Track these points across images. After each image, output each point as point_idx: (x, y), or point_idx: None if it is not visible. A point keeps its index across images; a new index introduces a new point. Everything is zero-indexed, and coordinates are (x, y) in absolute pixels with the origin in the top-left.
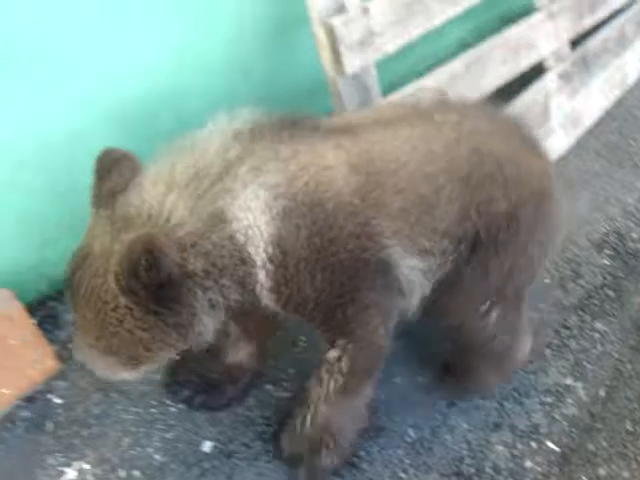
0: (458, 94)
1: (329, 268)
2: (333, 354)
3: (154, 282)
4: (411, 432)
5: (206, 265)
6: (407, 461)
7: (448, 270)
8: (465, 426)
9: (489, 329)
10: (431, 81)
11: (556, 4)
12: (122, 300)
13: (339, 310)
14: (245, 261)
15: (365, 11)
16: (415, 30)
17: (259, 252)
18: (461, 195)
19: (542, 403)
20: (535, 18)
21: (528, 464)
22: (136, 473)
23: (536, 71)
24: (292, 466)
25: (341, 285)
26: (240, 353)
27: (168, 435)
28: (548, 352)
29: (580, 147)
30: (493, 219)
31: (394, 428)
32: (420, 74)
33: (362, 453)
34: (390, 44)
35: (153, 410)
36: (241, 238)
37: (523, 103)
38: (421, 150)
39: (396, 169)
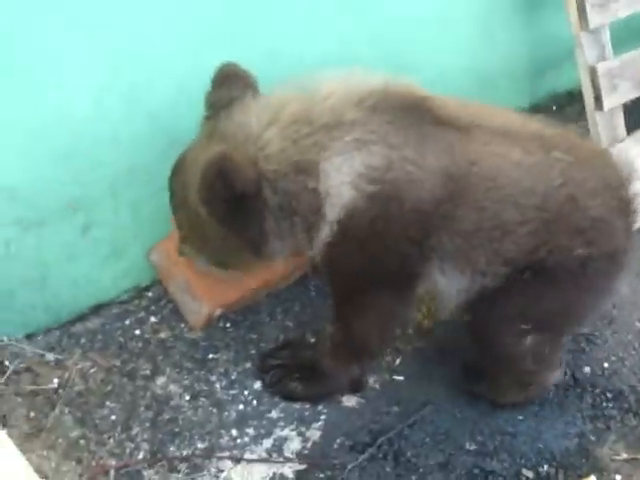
0: None
1: (373, 255)
2: (329, 329)
3: (227, 197)
4: None
5: (282, 201)
6: None
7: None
8: None
9: (520, 351)
10: None
11: None
12: (202, 210)
13: (350, 298)
14: (319, 212)
15: None
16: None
17: (333, 211)
18: (541, 235)
19: None
20: None
21: None
22: None
23: None
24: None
25: (369, 276)
26: None
27: None
28: None
29: None
30: (565, 261)
31: None
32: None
33: None
34: (622, 10)
35: None
36: (323, 192)
37: None
38: (524, 183)
39: (489, 188)
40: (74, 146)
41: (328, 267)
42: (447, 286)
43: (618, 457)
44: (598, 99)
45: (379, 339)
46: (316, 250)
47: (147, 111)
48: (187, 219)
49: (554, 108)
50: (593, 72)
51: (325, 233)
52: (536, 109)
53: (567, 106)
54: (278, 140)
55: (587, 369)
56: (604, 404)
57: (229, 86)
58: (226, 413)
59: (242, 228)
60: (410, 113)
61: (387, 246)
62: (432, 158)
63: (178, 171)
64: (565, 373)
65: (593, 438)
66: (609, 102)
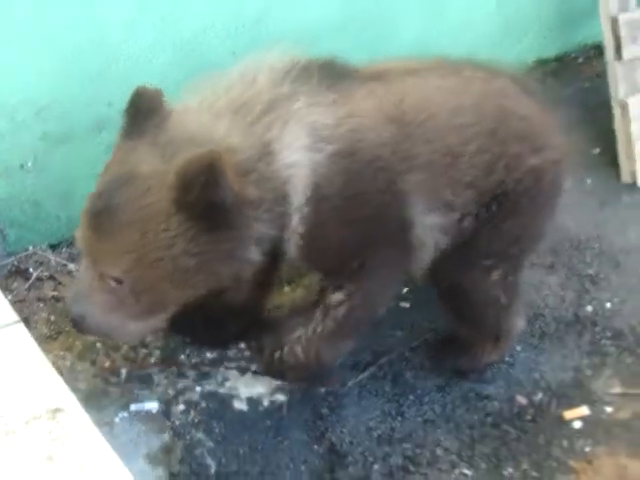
0: None
1: (356, 221)
2: (336, 297)
3: (212, 199)
4: None
5: (258, 194)
6: None
7: (466, 227)
8: None
9: (490, 289)
10: None
11: None
12: (175, 220)
13: (356, 260)
14: (285, 199)
15: None
16: None
17: (297, 193)
18: (489, 148)
19: None
20: None
21: None
22: None
23: None
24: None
25: (363, 238)
26: (243, 294)
27: None
28: None
29: None
30: (521, 177)
31: None
32: None
33: None
34: None
35: None
36: (284, 174)
37: None
38: (451, 102)
39: (425, 119)
40: (105, 68)
41: (312, 255)
42: (431, 227)
43: (611, 391)
44: (618, 49)
45: (386, 297)
46: (290, 247)
47: (178, 38)
48: (142, 238)
49: (580, 60)
50: (614, 22)
51: (295, 223)
52: (562, 60)
53: (594, 59)
54: (235, 129)
55: (589, 308)
56: (603, 341)
57: (150, 103)
58: None
59: (227, 238)
60: (331, 74)
61: (365, 204)
62: (367, 105)
63: (126, 185)
64: (567, 310)
65: (589, 372)
66: (629, 52)
